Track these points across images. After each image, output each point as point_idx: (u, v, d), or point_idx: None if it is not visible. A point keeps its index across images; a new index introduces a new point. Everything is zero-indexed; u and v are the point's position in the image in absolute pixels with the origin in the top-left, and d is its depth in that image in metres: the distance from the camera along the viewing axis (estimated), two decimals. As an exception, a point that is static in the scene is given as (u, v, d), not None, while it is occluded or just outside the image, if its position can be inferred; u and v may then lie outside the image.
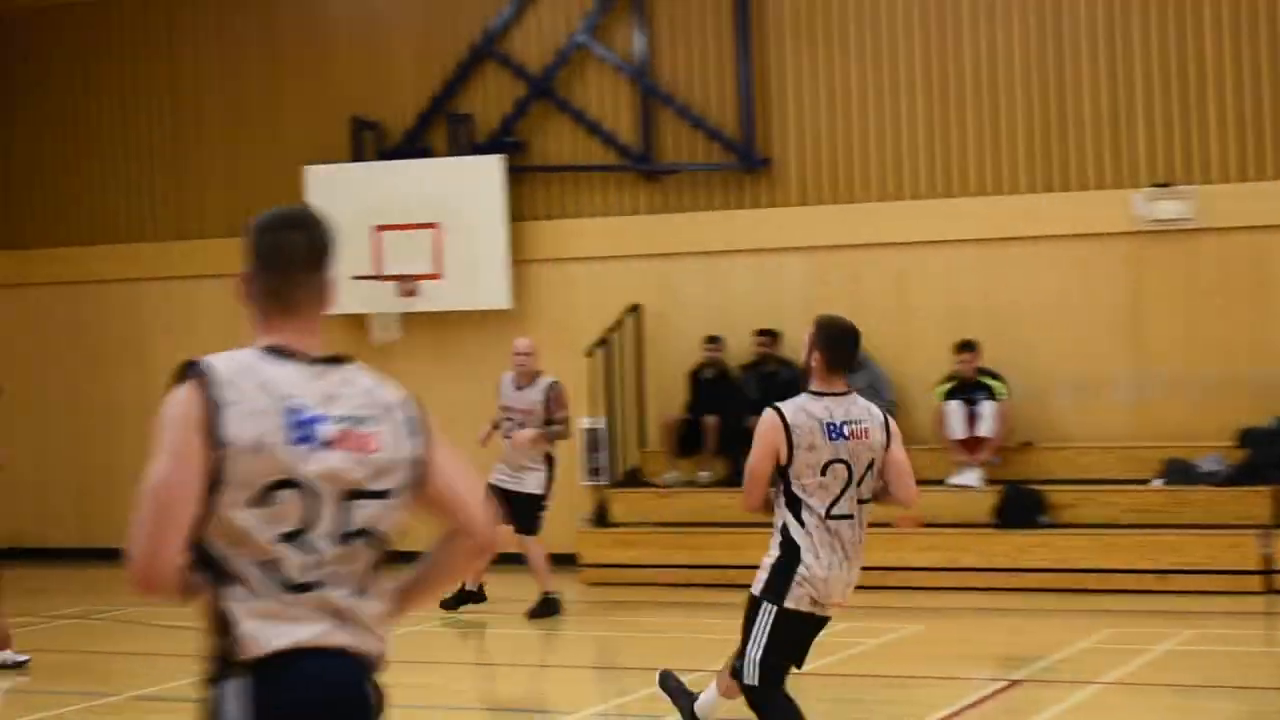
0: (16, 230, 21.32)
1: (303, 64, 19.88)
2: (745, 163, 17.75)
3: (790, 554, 7.69)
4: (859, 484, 7.68)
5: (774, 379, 17.31)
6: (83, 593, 18.01)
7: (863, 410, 7.73)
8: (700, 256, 18.07)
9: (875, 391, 16.94)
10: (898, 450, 7.82)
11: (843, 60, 17.58)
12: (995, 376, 16.68)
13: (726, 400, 17.29)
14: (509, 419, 14.81)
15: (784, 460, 7.61)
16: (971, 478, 16.44)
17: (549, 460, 14.83)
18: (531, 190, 18.67)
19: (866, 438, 7.68)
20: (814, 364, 7.75)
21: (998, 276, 17.16)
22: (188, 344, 19.59)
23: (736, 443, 14.40)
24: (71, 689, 12.54)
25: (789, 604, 7.71)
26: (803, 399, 7.71)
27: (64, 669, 13.55)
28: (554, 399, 14.70)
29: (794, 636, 7.86)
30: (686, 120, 18.06)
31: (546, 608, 14.94)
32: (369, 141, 19.20)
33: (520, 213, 18.58)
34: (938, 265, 17.35)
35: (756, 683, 7.83)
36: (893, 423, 7.85)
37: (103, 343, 20.85)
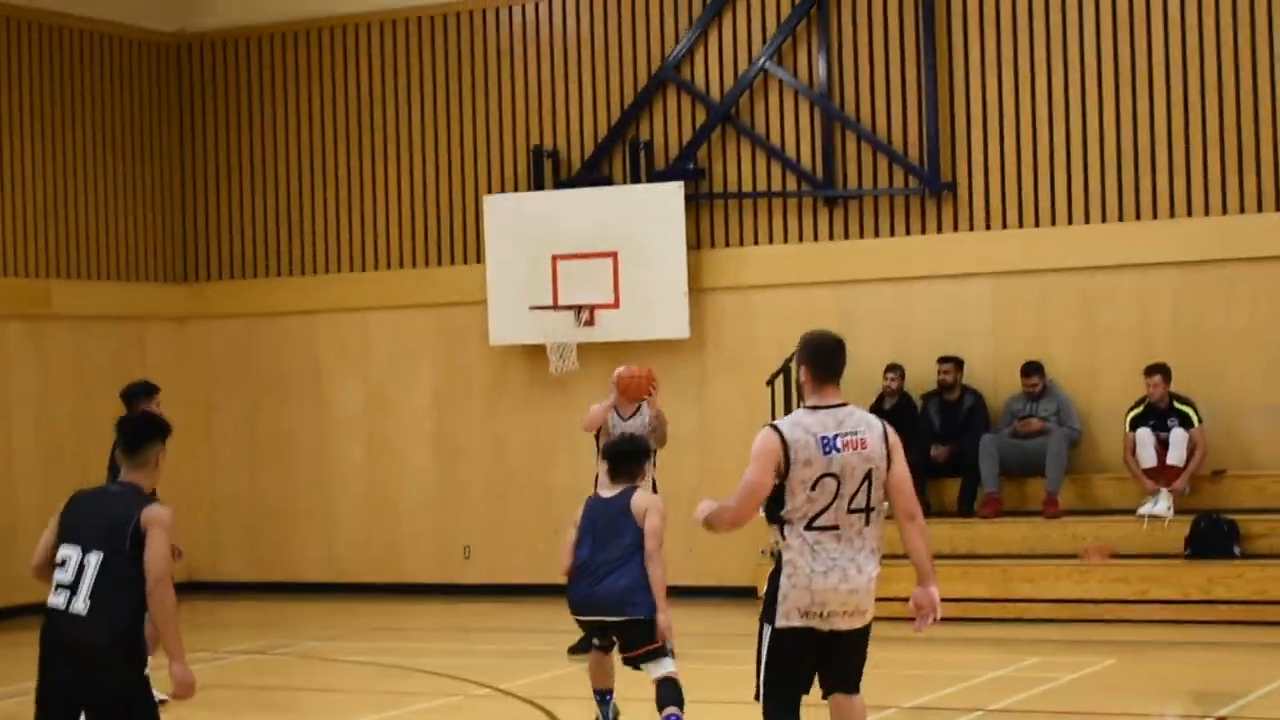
0: (190, 263, 21.76)
1: (481, 93, 20.23)
2: (928, 186, 17.99)
3: (776, 570, 8.00)
4: (852, 496, 7.93)
5: (957, 407, 17.63)
6: (259, 627, 18.50)
7: (860, 421, 7.98)
8: (882, 283, 18.28)
9: (1060, 419, 17.30)
10: (899, 465, 8.05)
11: (1027, 81, 17.80)
12: (1186, 402, 16.78)
13: (908, 430, 17.17)
14: None
15: (779, 476, 7.88)
16: (1162, 507, 16.48)
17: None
18: (711, 217, 18.98)
19: (863, 448, 7.92)
20: (804, 379, 8.09)
21: (1188, 300, 17.25)
22: (361, 376, 20.51)
23: (919, 473, 14.36)
24: None
25: (779, 622, 7.96)
26: (799, 414, 8.02)
27: (244, 704, 13.81)
28: (657, 426, 14.73)
29: (792, 654, 8.03)
30: (869, 144, 18.31)
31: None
32: (548, 170, 19.57)
33: (699, 240, 18.91)
34: (1126, 289, 17.46)
35: (763, 705, 8.10)
36: (894, 435, 8.09)
37: (277, 376, 21.25)
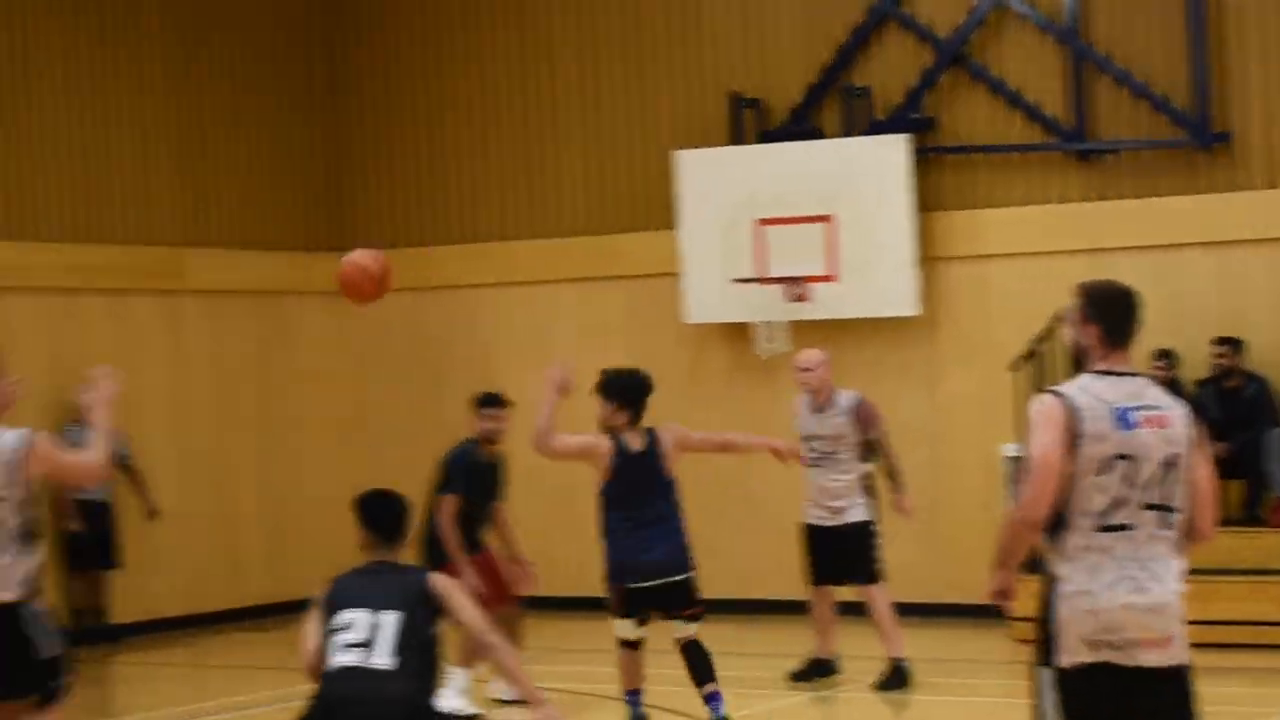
0: (348, 231, 21.82)
1: (672, 35, 20.17)
2: (1199, 138, 17.54)
3: (1049, 590, 6.95)
4: (1148, 487, 6.98)
5: (1237, 396, 17.20)
6: None
7: (1159, 395, 7.13)
8: (1145, 251, 17.76)
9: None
10: (1204, 464, 7.14)
11: (1320, 9, 17.35)
12: None
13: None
14: (813, 450, 14.58)
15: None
16: None
17: (868, 490, 14.60)
18: (941, 175, 18.67)
19: (1164, 426, 7.02)
20: (1089, 340, 7.22)
21: None
22: (538, 358, 19.80)
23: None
24: None
25: (1063, 660, 6.95)
26: (1085, 379, 7.14)
27: None
28: (864, 417, 14.52)
29: (1089, 704, 6.99)
30: (1127, 88, 17.92)
31: (897, 678, 14.47)
32: (749, 121, 19.36)
33: (928, 202, 18.56)
34: None
35: None
36: (1198, 425, 7.09)
37: (441, 358, 21.46)
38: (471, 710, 14.21)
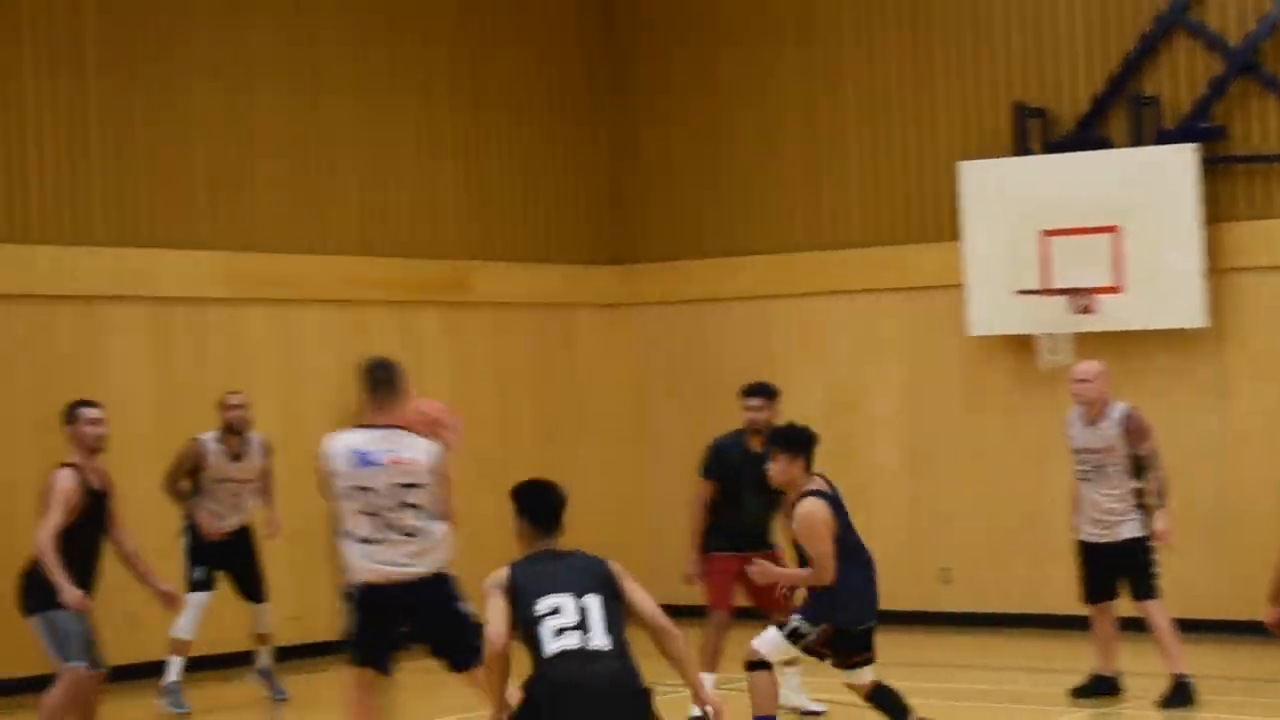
0: (621, 243, 22.32)
1: (956, 45, 20.07)
2: None
3: None
4: None
5: None
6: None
7: None
8: None
9: None
10: None
11: None
12: None
13: None
14: (1084, 464, 14.57)
15: None
16: None
17: (1141, 506, 14.46)
18: (1232, 185, 18.42)
19: None
20: None
21: None
22: (820, 370, 20.64)
23: None
24: None
25: None
26: None
27: None
28: (1133, 430, 14.39)
29: None
30: None
31: (1179, 695, 14.28)
32: (1034, 131, 19.23)
33: (1217, 212, 18.35)
34: None
35: None
36: None
37: (721, 368, 21.34)
38: (818, 707, 14.54)
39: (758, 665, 12.70)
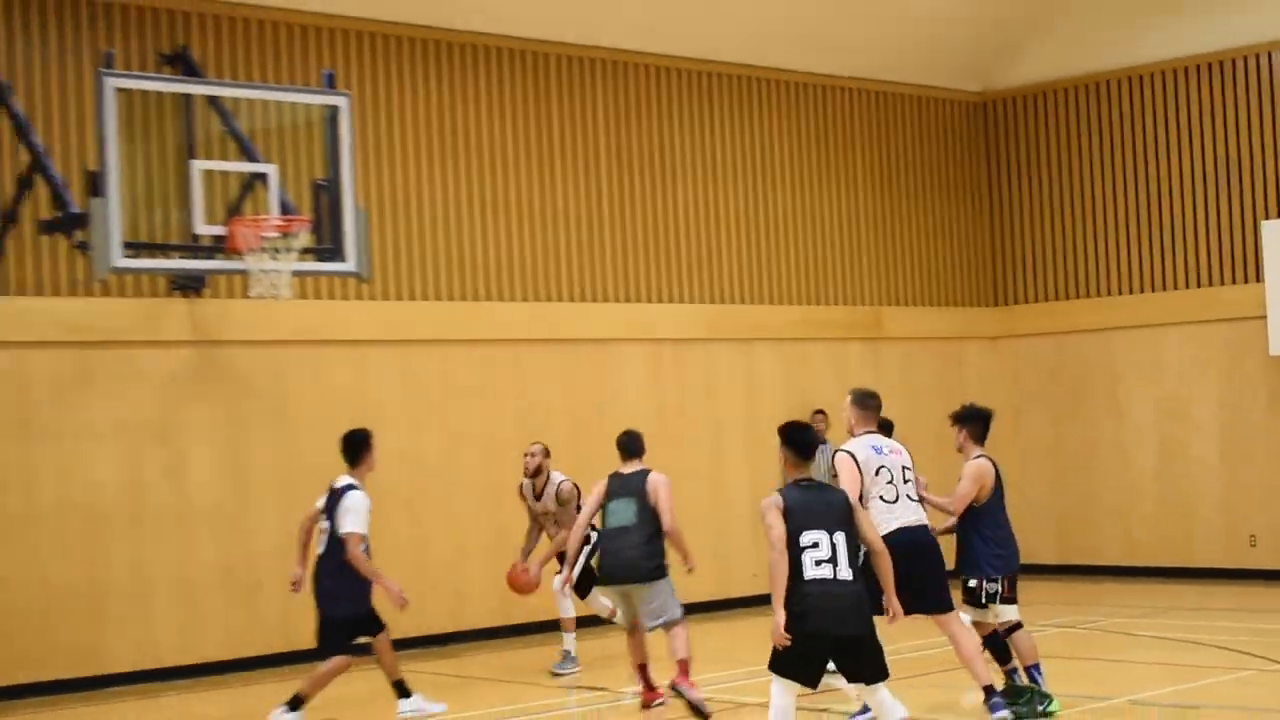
0: (1001, 289, 23.85)
1: (1258, 130, 21.30)
2: None
3: None
4: None
5: None
6: (1067, 605, 19.51)
7: None
8: None
9: None
10: None
11: None
12: None
13: None
14: None
15: None
16: None
17: None
18: None
19: None
20: None
21: None
22: (1154, 387, 22.52)
23: None
24: (1071, 692, 13.36)
25: None
26: None
27: (1058, 673, 13.90)
28: None
29: None
30: None
31: None
32: None
33: None
34: None
35: None
36: None
37: (1080, 387, 22.85)
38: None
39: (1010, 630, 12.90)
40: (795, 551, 10.03)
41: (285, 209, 15.62)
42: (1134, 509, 22.40)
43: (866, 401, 12.60)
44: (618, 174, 20.51)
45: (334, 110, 15.54)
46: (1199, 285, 21.99)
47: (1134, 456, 22.44)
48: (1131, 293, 22.69)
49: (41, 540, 16.52)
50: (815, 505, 10.15)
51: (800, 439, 10.41)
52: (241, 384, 17.60)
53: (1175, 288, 22.23)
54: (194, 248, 15.19)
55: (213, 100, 16.36)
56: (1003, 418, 21.07)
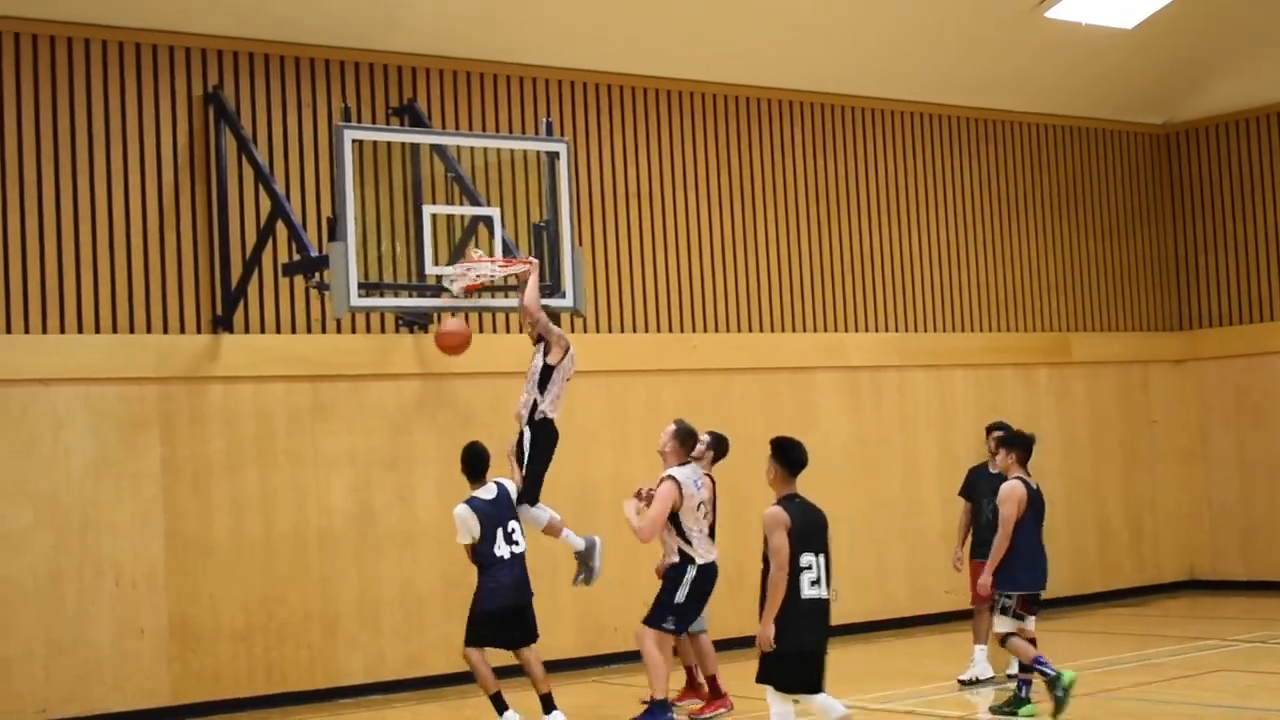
0: (1185, 314, 23.75)
1: None
2: None
3: None
4: None
5: None
6: (1258, 620, 19.45)
7: None
8: None
9: None
10: None
11: None
12: None
13: None
14: None
15: None
16: None
17: None
18: None
19: None
20: None
21: None
22: None
23: None
24: (1265, 706, 13.53)
25: None
26: None
27: (1246, 685, 14.49)
28: None
29: None
30: None
31: None
32: None
33: None
34: None
35: None
36: None
37: (1262, 406, 22.77)
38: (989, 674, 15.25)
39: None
40: (794, 571, 10.36)
41: (507, 249, 15.95)
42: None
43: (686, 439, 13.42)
44: (815, 210, 20.76)
45: (553, 156, 15.80)
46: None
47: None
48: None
49: (280, 562, 16.98)
50: (808, 528, 10.44)
51: (792, 455, 10.60)
52: (464, 413, 17.93)
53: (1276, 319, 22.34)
54: (421, 286, 15.51)
55: (437, 147, 16.78)
56: (1190, 438, 22.96)
